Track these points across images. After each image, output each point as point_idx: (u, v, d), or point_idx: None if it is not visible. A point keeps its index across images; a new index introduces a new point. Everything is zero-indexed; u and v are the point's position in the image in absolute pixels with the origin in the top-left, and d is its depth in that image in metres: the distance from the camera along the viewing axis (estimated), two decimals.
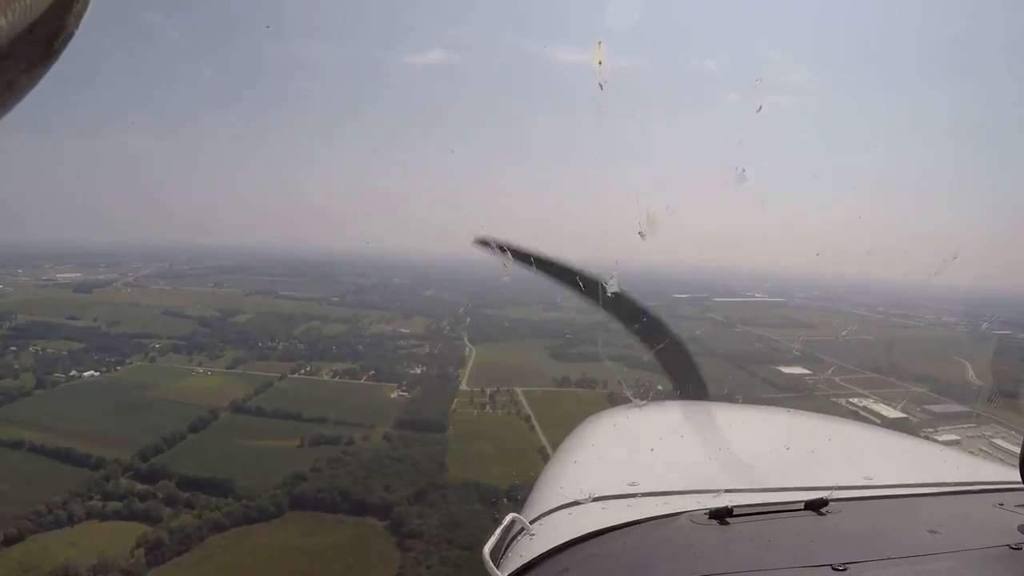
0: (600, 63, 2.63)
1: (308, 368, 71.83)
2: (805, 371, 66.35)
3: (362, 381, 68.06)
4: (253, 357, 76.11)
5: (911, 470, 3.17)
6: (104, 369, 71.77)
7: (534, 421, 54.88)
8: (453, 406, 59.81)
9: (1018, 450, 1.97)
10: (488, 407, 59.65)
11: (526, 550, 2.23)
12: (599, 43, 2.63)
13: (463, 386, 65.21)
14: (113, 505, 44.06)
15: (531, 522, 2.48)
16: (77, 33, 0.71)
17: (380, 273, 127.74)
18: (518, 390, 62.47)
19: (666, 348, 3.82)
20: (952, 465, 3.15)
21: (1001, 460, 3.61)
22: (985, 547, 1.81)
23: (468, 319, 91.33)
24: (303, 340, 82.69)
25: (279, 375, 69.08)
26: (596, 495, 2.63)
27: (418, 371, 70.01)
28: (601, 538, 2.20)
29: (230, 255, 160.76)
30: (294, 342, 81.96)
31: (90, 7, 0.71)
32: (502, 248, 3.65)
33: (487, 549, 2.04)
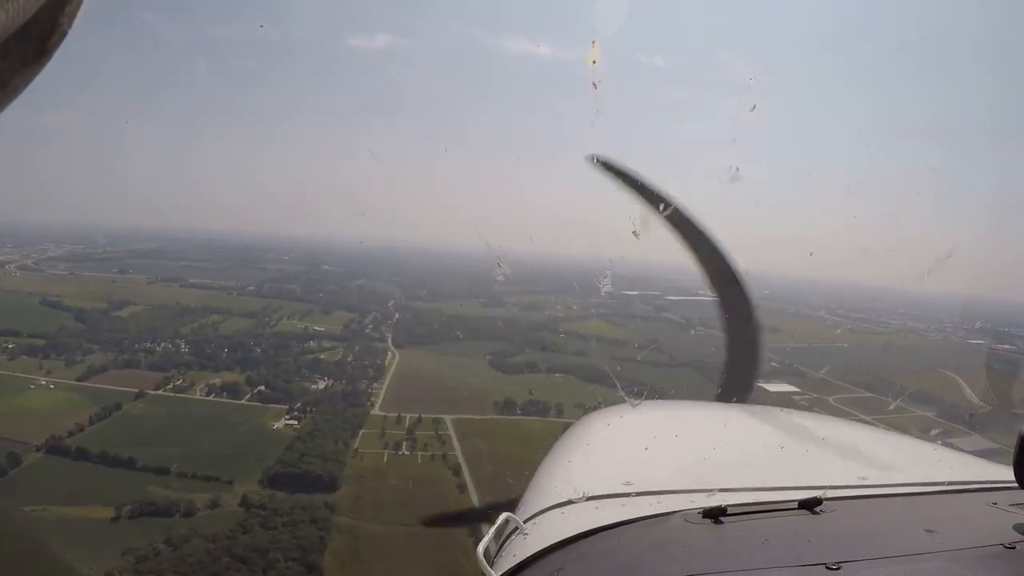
0: (594, 62, 2.37)
1: (180, 381, 51.10)
2: (792, 388, 51.23)
3: (243, 401, 48.15)
4: (119, 364, 54.92)
5: (905, 469, 2.94)
6: None
7: (466, 475, 36.69)
8: (356, 443, 40.85)
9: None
10: (404, 446, 40.99)
11: (520, 549, 2.08)
12: (593, 42, 2.35)
13: (375, 410, 46.25)
14: None
15: (525, 521, 2.33)
16: (71, 32, 0.67)
17: (311, 259, 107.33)
18: (447, 419, 43.89)
19: (742, 339, 3.39)
20: (946, 464, 2.91)
21: (995, 460, 3.17)
22: (979, 546, 1.72)
23: (396, 315, 71.86)
24: (191, 340, 61.44)
25: (137, 391, 48.17)
26: (590, 494, 2.44)
27: (321, 386, 50.40)
28: (595, 537, 2.06)
29: (156, 237, 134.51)
30: (179, 343, 60.63)
31: (84, 5, 0.66)
32: (621, 173, 3.49)
33: (481, 548, 1.92)
